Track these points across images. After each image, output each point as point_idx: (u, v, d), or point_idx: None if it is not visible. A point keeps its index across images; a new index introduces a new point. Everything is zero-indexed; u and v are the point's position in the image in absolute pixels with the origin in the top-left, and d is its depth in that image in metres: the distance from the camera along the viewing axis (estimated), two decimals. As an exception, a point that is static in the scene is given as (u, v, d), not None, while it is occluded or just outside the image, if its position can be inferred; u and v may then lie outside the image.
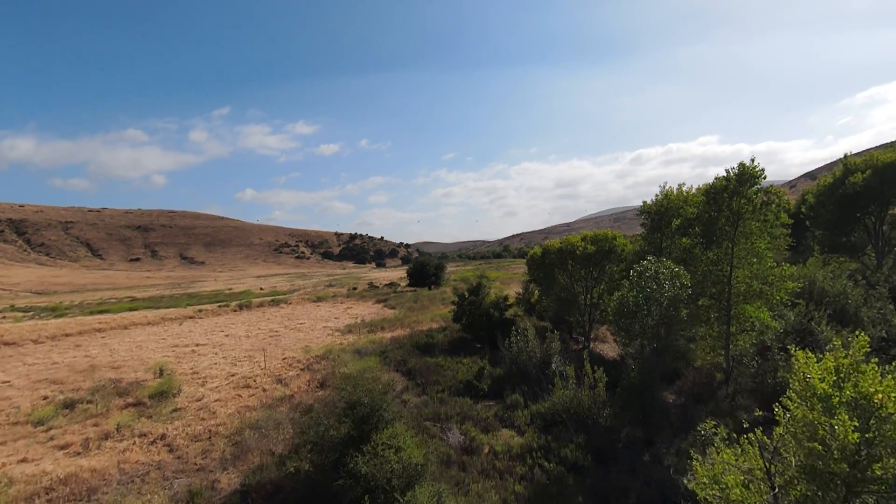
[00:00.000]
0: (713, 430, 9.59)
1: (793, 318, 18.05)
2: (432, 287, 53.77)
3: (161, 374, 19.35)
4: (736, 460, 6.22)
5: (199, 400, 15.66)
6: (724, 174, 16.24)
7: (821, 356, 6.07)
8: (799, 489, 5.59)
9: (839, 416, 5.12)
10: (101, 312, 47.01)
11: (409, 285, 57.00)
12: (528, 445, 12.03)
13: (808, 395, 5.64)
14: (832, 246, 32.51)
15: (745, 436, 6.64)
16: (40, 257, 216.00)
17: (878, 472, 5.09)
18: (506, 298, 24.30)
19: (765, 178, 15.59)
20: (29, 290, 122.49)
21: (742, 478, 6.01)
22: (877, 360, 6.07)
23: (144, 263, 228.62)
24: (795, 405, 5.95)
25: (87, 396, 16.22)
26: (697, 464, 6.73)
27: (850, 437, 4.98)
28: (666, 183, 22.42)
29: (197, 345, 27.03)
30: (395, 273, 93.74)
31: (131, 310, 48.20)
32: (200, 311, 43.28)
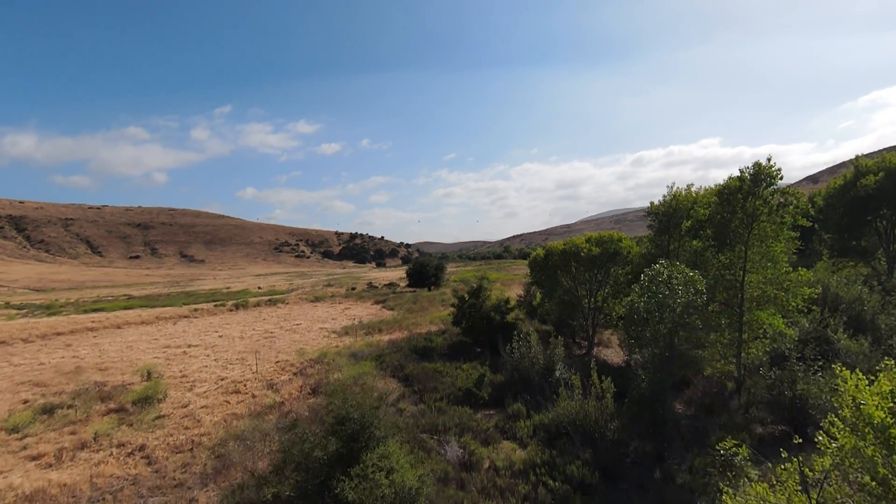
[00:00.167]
0: (734, 449, 8.85)
1: (807, 325, 17.30)
2: (432, 288, 53.01)
3: (148, 377, 18.61)
4: (773, 495, 5.45)
5: (185, 406, 14.91)
6: (738, 174, 15.49)
7: (872, 378, 5.30)
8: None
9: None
10: (95, 311, 46.32)
11: (408, 286, 56.25)
12: (532, 461, 11.26)
13: (860, 424, 4.87)
14: (841, 250, 31.71)
15: (781, 466, 5.85)
16: (40, 254, 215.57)
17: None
18: (507, 301, 23.54)
19: (781, 178, 14.83)
20: (27, 286, 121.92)
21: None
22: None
23: (144, 261, 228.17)
24: (843, 434, 5.17)
25: (69, 401, 15.48)
26: (728, 499, 5.95)
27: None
28: (674, 183, 21.65)
29: (189, 346, 26.30)
30: (395, 273, 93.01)
31: (126, 308, 47.49)
32: (196, 310, 42.55)
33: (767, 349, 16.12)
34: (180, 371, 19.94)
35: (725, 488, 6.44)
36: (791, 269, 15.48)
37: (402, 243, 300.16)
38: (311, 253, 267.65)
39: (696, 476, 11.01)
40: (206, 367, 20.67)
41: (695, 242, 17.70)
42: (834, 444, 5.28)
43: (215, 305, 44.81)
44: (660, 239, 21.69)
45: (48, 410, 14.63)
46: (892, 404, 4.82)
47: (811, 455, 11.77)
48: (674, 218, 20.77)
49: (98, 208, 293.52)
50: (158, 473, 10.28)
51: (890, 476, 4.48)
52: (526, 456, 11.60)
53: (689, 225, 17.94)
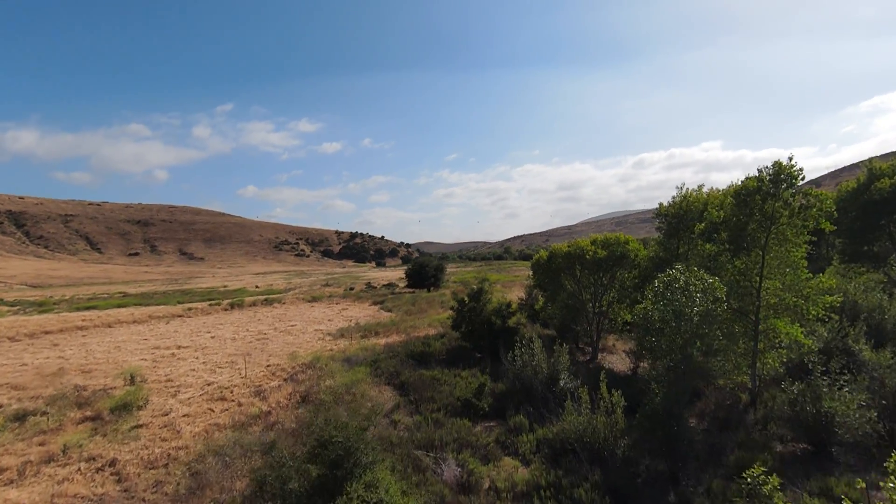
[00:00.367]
0: (762, 478, 7.96)
1: (826, 334, 16.39)
2: (431, 289, 52.12)
3: (132, 381, 17.73)
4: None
5: (166, 414, 14.01)
6: (757, 173, 14.58)
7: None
8: None
9: None
10: (88, 309, 45.46)
11: (407, 286, 55.36)
12: (535, 482, 10.36)
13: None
14: (853, 255, 30.79)
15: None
16: (39, 250, 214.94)
17: None
18: (509, 305, 22.63)
19: (803, 178, 13.92)
20: (25, 282, 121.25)
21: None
22: None
23: (143, 258, 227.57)
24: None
25: (43, 407, 14.59)
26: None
27: None
28: (684, 184, 20.76)
29: (179, 347, 25.42)
30: (395, 273, 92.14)
31: (120, 306, 46.60)
32: (190, 309, 41.69)
33: (784, 359, 15.24)
34: (166, 375, 19.06)
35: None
36: (811, 275, 14.59)
37: (402, 243, 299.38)
38: (311, 252, 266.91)
39: (714, 501, 10.13)
40: (194, 370, 19.78)
41: (708, 246, 16.80)
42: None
43: (210, 305, 43.95)
44: (669, 242, 20.80)
45: (20, 417, 13.75)
46: None
47: (841, 478, 10.99)
48: (684, 220, 19.90)
49: (98, 205, 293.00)
50: (127, 493, 9.39)
51: None
52: (529, 476, 10.70)
53: (702, 227, 17.02)
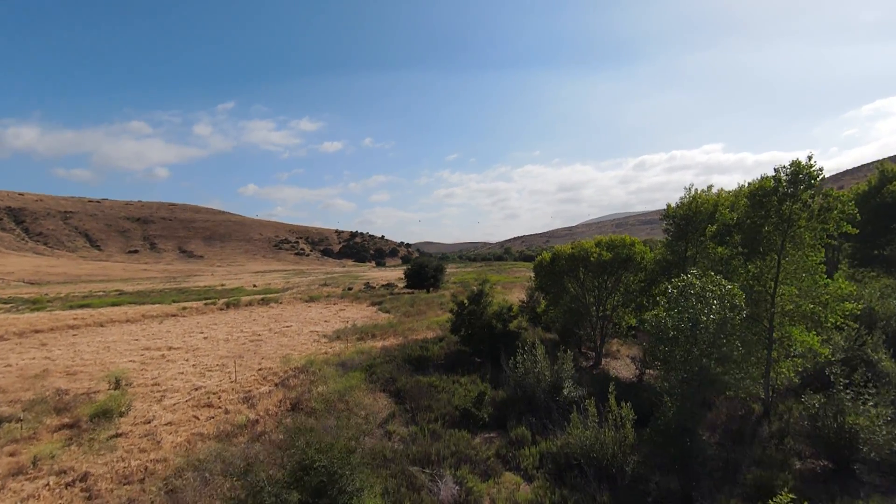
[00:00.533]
0: (791, 505, 7.22)
1: (842, 342, 15.66)
2: (430, 290, 51.39)
3: (116, 385, 17.00)
4: None
5: (148, 422, 13.27)
6: (773, 173, 13.84)
7: None
8: None
9: None
10: (82, 307, 44.69)
11: (406, 287, 54.62)
12: (539, 502, 9.62)
13: None
14: (863, 259, 30.08)
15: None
16: (38, 246, 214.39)
17: None
18: (510, 308, 21.88)
19: (823, 178, 13.18)
20: (22, 279, 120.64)
21: None
22: None
23: (143, 256, 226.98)
24: None
25: (20, 413, 13.85)
26: None
27: None
28: (692, 185, 20.01)
29: (170, 348, 24.69)
30: (394, 273, 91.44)
31: (114, 304, 45.85)
32: (185, 308, 40.95)
33: (799, 369, 14.51)
34: (153, 378, 18.32)
35: None
36: (829, 280, 13.85)
37: (402, 243, 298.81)
38: (311, 251, 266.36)
39: (732, 525, 9.40)
40: (183, 373, 19.04)
41: (720, 249, 16.06)
42: None
43: (205, 304, 43.22)
44: (676, 244, 20.06)
45: (-6, 424, 13.01)
46: None
47: (868, 500, 10.24)
48: (693, 222, 19.16)
49: (98, 202, 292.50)
50: (97, 512, 8.67)
51: None
52: (532, 495, 9.95)
53: (714, 230, 16.27)
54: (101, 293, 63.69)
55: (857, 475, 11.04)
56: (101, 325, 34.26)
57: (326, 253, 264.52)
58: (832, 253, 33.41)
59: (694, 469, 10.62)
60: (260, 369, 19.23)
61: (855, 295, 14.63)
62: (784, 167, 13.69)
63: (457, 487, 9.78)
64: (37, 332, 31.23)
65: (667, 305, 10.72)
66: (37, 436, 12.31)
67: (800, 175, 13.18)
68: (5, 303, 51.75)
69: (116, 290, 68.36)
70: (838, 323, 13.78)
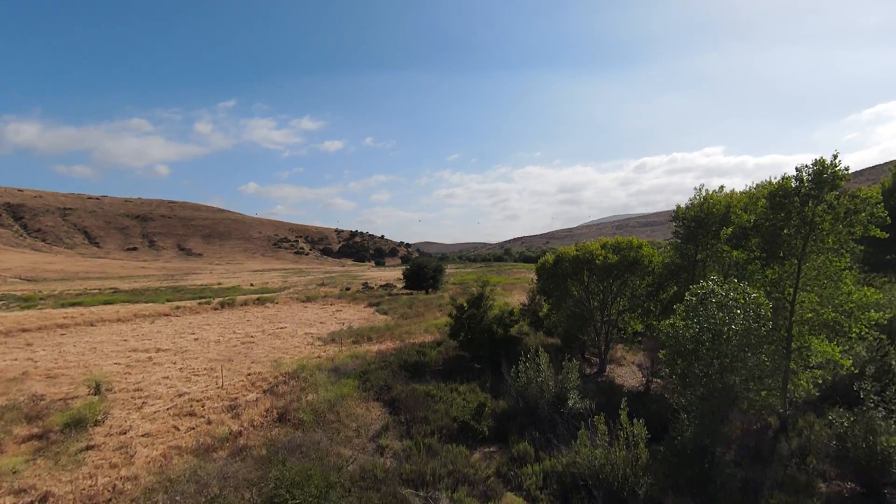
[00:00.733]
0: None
1: (864, 353, 14.79)
2: (429, 291, 50.52)
3: (97, 390, 16.13)
4: None
5: (125, 433, 12.40)
6: (795, 172, 12.97)
7: None
8: None
9: None
10: (74, 305, 43.80)
11: (405, 288, 53.76)
12: (544, 530, 8.75)
13: None
14: (875, 264, 29.19)
15: None
16: (36, 243, 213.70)
17: None
18: (511, 312, 21.03)
19: (849, 178, 12.31)
20: (19, 275, 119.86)
21: None
22: None
23: (141, 253, 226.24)
24: None
25: (-12, 421, 12.97)
26: None
27: None
28: (703, 185, 19.17)
29: (158, 350, 23.83)
30: (393, 273, 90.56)
31: (107, 303, 44.98)
32: (178, 308, 40.08)
33: (819, 381, 13.63)
34: (136, 383, 17.45)
35: None
36: (853, 288, 12.98)
37: (402, 243, 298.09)
38: (311, 250, 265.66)
39: (755, 557, 8.53)
40: (168, 378, 18.17)
41: (735, 253, 15.19)
42: None
43: (199, 304, 42.35)
44: (686, 247, 19.22)
45: (-41, 433, 12.14)
46: None
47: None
48: (704, 224, 18.32)
49: (97, 199, 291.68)
50: (53, 539, 7.82)
51: None
52: (536, 521, 9.08)
53: (729, 232, 15.40)
54: (95, 291, 62.82)
55: (888, 500, 10.20)
56: (91, 325, 33.41)
57: (326, 252, 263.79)
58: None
59: (712, 492, 9.77)
60: (249, 374, 18.36)
61: (882, 303, 13.75)
62: (806, 166, 12.82)
63: (454, 512, 8.91)
64: (24, 331, 30.37)
65: (684, 314, 9.85)
66: (2, 448, 11.43)
67: (824, 175, 12.32)
68: (-3, 300, 50.91)
69: (111, 288, 67.50)
70: (863, 333, 12.94)
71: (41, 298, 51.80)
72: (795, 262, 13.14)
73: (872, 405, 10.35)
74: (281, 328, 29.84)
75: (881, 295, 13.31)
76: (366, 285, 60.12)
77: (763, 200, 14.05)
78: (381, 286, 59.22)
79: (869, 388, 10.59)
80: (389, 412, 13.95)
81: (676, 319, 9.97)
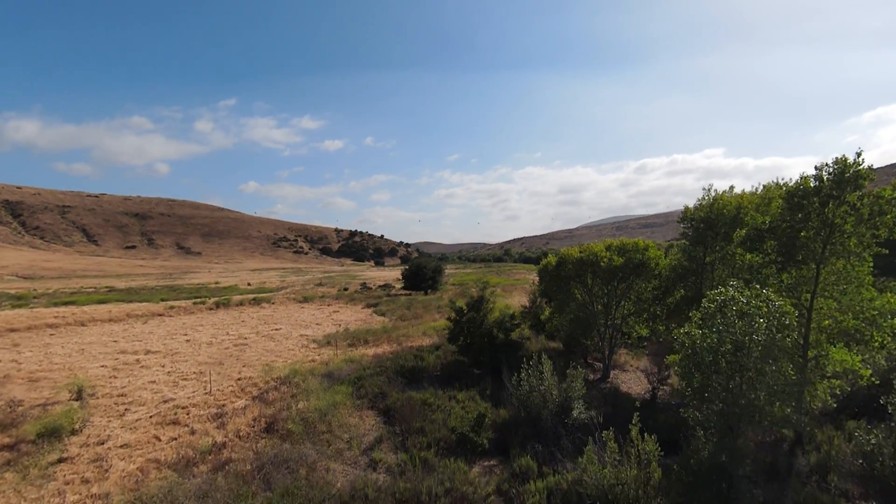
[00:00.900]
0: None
1: (883, 362, 14.08)
2: (428, 292, 49.79)
3: (79, 395, 15.40)
4: None
5: (102, 443, 11.68)
6: (814, 172, 12.26)
7: None
8: None
9: None
10: (67, 304, 43.06)
11: (403, 288, 53.03)
12: (549, 557, 8.03)
13: None
14: (885, 267, 28.50)
15: None
16: (34, 240, 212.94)
17: None
18: (512, 316, 20.30)
19: (873, 178, 11.59)
20: (16, 273, 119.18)
21: None
22: None
23: (140, 251, 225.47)
24: None
25: (-41, 429, 12.25)
26: None
27: None
28: (712, 185, 18.46)
29: (148, 352, 23.09)
30: (392, 273, 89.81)
31: (101, 302, 44.25)
32: (172, 307, 39.34)
33: (837, 391, 12.91)
34: (121, 387, 16.73)
35: None
36: (876, 294, 12.27)
37: (401, 242, 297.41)
38: (310, 249, 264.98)
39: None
40: (155, 382, 17.45)
41: (749, 256, 14.48)
42: None
43: (194, 304, 41.60)
44: (695, 249, 18.50)
45: (-74, 443, 11.41)
46: None
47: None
48: (713, 226, 17.60)
49: (96, 196, 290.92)
50: (9, 568, 7.11)
51: None
52: (540, 547, 8.37)
53: (742, 234, 14.68)
54: (91, 290, 62.08)
55: (918, 523, 9.50)
56: (83, 325, 32.67)
57: (325, 251, 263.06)
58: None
59: (729, 514, 9.05)
60: (239, 379, 17.64)
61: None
62: (827, 165, 12.10)
63: (451, 537, 8.18)
64: (12, 330, 29.62)
65: (701, 322, 9.13)
66: (-30, 459, 10.71)
67: (846, 174, 11.61)
68: (-11, 298, 50.15)
69: (107, 287, 66.76)
70: (885, 342, 12.23)
71: (35, 297, 51.09)
72: (814, 266, 12.44)
73: (900, 420, 9.65)
74: (276, 330, 29.11)
75: (905, 301, 12.55)
76: (364, 285, 59.39)
77: (779, 201, 13.34)
78: (380, 286, 58.50)
79: (898, 402, 9.88)
80: (384, 422, 13.22)
81: (692, 328, 9.25)
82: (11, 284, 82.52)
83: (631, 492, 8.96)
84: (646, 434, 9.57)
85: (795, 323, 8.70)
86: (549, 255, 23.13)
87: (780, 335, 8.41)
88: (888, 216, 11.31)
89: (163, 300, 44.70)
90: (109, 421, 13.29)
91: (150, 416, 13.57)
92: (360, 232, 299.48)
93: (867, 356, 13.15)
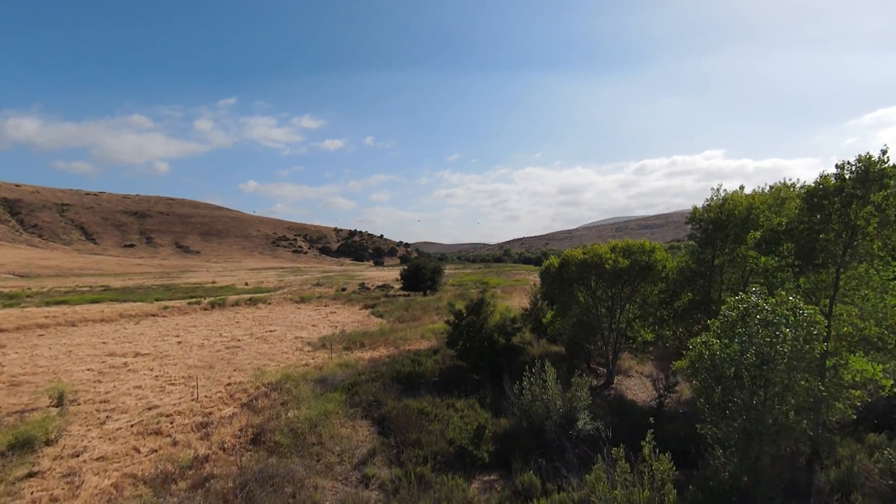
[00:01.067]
0: None
1: (903, 372, 13.39)
2: (427, 292, 49.07)
3: (59, 401, 14.69)
4: None
5: (77, 456, 10.97)
6: (835, 170, 11.58)
7: None
8: None
9: None
10: (59, 303, 42.31)
11: (402, 289, 52.31)
12: (555, 589, 7.33)
13: None
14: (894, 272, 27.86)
15: None
16: (32, 238, 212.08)
17: None
18: (514, 320, 19.61)
19: (899, 177, 10.90)
20: (12, 271, 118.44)
21: None
22: None
23: (138, 250, 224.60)
24: None
25: (-73, 439, 11.52)
26: None
27: None
28: (721, 185, 17.77)
29: (137, 354, 22.37)
30: (391, 273, 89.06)
31: (94, 302, 43.50)
32: (166, 308, 38.61)
33: (857, 403, 12.23)
34: (105, 393, 16.01)
35: None
36: (899, 300, 11.58)
37: (401, 242, 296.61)
38: (309, 249, 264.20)
39: None
40: (141, 387, 16.73)
41: (764, 259, 13.78)
42: None
43: (188, 304, 40.86)
44: (703, 252, 17.81)
45: None
46: None
47: None
48: (724, 227, 16.91)
49: (95, 195, 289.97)
50: None
51: None
52: (545, 576, 7.67)
53: (757, 236, 13.98)
54: (86, 289, 61.32)
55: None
56: (73, 325, 31.94)
57: (324, 251, 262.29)
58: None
59: (750, 540, 8.35)
60: (229, 384, 16.93)
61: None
62: (849, 163, 11.43)
63: (448, 566, 7.48)
64: (0, 331, 28.89)
65: (720, 331, 8.43)
66: (-68, 473, 10.00)
67: (870, 173, 10.93)
68: (-19, 297, 49.39)
69: (103, 286, 65.99)
70: (908, 351, 11.55)
71: (28, 296, 50.34)
72: (833, 270, 11.75)
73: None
74: (270, 331, 28.39)
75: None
76: (363, 286, 58.68)
77: (796, 201, 12.66)
78: (378, 287, 57.79)
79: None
80: (378, 432, 12.51)
81: (710, 337, 8.55)
82: (6, 283, 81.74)
83: (643, 516, 8.26)
84: (658, 451, 8.88)
85: (825, 333, 7.96)
86: (552, 257, 22.42)
87: (807, 346, 7.72)
88: (917, 217, 10.63)
89: (157, 300, 43.96)
90: (88, 430, 12.58)
91: (132, 425, 12.85)
92: (360, 232, 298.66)
93: (889, 365, 12.48)
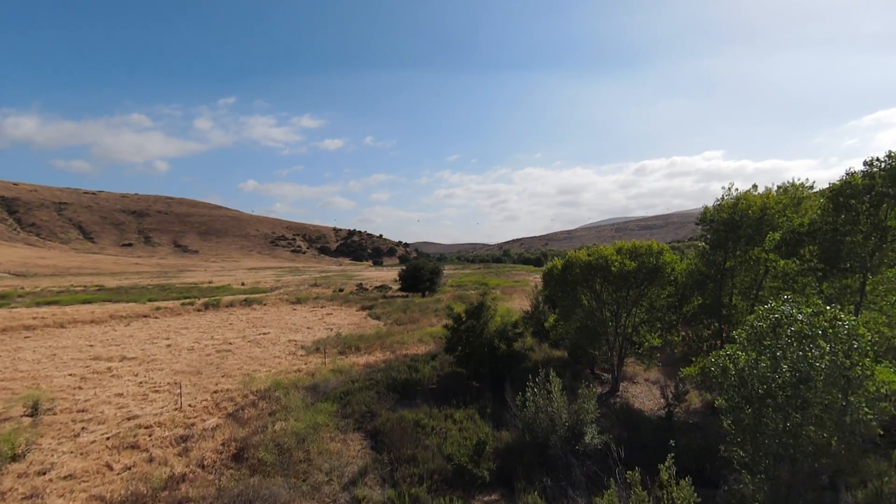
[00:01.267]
0: None
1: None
2: (426, 294, 48.22)
3: (34, 410, 13.85)
4: None
5: (43, 473, 10.12)
6: (862, 169, 10.78)
7: None
8: None
9: None
10: (50, 303, 41.45)
11: (400, 290, 51.47)
12: None
13: None
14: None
15: None
16: (29, 237, 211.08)
17: None
18: (515, 325, 18.77)
19: (934, 175, 10.10)
20: (9, 270, 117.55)
21: None
22: None
23: (136, 249, 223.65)
24: None
25: None
26: None
27: None
28: (732, 184, 16.97)
29: (123, 358, 21.52)
30: (390, 273, 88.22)
31: (86, 302, 42.64)
32: (158, 308, 37.74)
33: (885, 417, 11.42)
34: (84, 401, 15.16)
35: None
36: (930, 307, 10.78)
37: (400, 242, 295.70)
38: (308, 248, 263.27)
39: None
40: (122, 395, 15.89)
41: (783, 262, 12.96)
42: None
43: (182, 304, 39.99)
44: (714, 254, 17.00)
45: None
46: None
47: None
48: (735, 228, 16.09)
49: (94, 193, 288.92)
50: None
51: None
52: None
53: (777, 238, 13.17)
54: (80, 288, 60.42)
55: None
56: (62, 327, 31.05)
57: (323, 251, 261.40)
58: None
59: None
60: (216, 391, 16.08)
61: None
62: (878, 159, 10.63)
63: None
64: (-15, 333, 28.02)
65: (747, 344, 7.61)
66: None
67: (903, 170, 10.13)
68: (-28, 297, 48.48)
69: (97, 286, 65.10)
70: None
71: (19, 296, 49.46)
72: (860, 275, 10.96)
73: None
74: (263, 334, 27.54)
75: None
76: (360, 286, 57.83)
77: (819, 199, 11.87)
78: (377, 287, 56.95)
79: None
80: (371, 447, 11.68)
81: (734, 349, 7.72)
82: (1, 282, 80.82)
83: (662, 548, 7.44)
84: (665, 460, 8.05)
85: (869, 347, 7.14)
86: (556, 259, 21.57)
87: (847, 362, 6.91)
88: (955, 219, 9.83)
89: (150, 300, 43.09)
90: (60, 443, 11.73)
91: (107, 438, 12.01)
92: (359, 231, 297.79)
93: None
